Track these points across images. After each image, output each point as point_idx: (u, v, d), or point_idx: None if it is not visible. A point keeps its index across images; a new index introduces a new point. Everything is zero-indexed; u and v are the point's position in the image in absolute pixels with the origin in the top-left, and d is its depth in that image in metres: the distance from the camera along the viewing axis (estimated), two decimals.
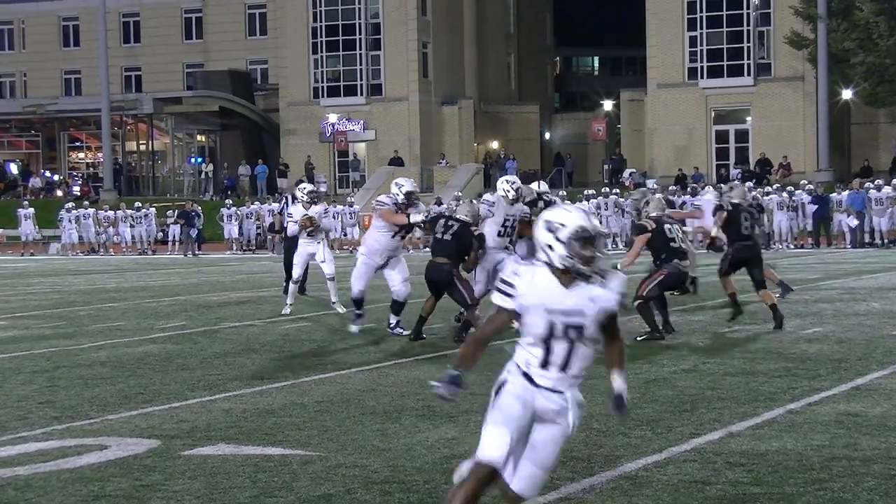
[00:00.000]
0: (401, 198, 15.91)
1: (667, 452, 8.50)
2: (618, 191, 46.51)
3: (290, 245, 24.33)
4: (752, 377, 11.77)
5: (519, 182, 16.77)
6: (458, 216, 15.52)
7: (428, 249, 16.17)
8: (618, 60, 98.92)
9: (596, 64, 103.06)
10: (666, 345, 14.73)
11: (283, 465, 8.35)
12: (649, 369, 12.46)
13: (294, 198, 24.89)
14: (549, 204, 17.88)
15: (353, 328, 16.24)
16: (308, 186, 20.61)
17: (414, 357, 13.95)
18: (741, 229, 16.80)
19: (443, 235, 15.29)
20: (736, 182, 20.54)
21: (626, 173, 55.97)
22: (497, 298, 6.20)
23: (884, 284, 23.33)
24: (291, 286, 20.00)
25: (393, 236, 15.99)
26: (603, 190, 48.17)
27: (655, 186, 48.94)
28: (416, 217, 15.94)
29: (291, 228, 20.37)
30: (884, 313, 17.67)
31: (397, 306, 16.08)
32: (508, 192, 16.09)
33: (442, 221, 15.53)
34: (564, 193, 48.65)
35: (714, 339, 15.14)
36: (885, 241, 40.49)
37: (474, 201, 16.75)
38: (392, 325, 16.10)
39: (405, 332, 15.80)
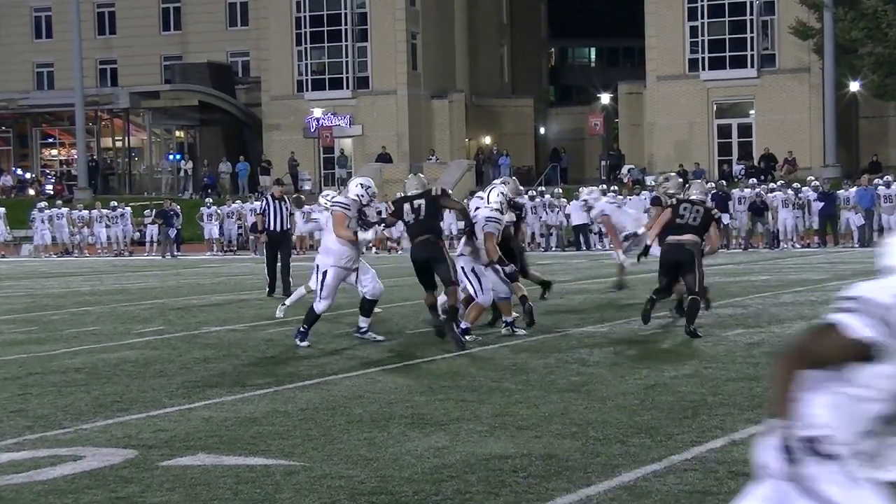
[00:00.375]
0: (366, 199, 15.72)
1: (667, 461, 8.51)
2: (616, 188, 46.50)
3: (273, 246, 24.41)
4: (755, 382, 11.79)
5: (505, 188, 16.99)
6: (412, 193, 15.64)
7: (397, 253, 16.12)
8: (615, 52, 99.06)
9: (592, 55, 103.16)
10: (667, 349, 14.77)
11: (265, 475, 8.35)
12: (649, 374, 12.48)
13: (274, 196, 24.98)
14: (520, 210, 18.54)
15: (304, 343, 15.49)
16: (331, 193, 20.31)
17: (403, 362, 13.95)
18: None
19: (415, 218, 15.41)
20: (672, 174, 20.89)
21: (624, 169, 56.07)
22: (855, 323, 4.26)
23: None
24: (302, 290, 19.57)
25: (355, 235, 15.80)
26: (600, 187, 48.17)
27: (653, 183, 49.00)
28: (364, 235, 15.75)
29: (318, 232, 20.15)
30: None
31: (369, 305, 15.83)
32: (503, 203, 16.31)
33: (407, 207, 15.54)
34: (560, 191, 48.74)
35: (716, 342, 15.16)
36: None
37: (421, 175, 16.77)
38: (364, 329, 15.80)
39: (379, 338, 15.74)
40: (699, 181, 17.16)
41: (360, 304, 15.98)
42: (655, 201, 18.29)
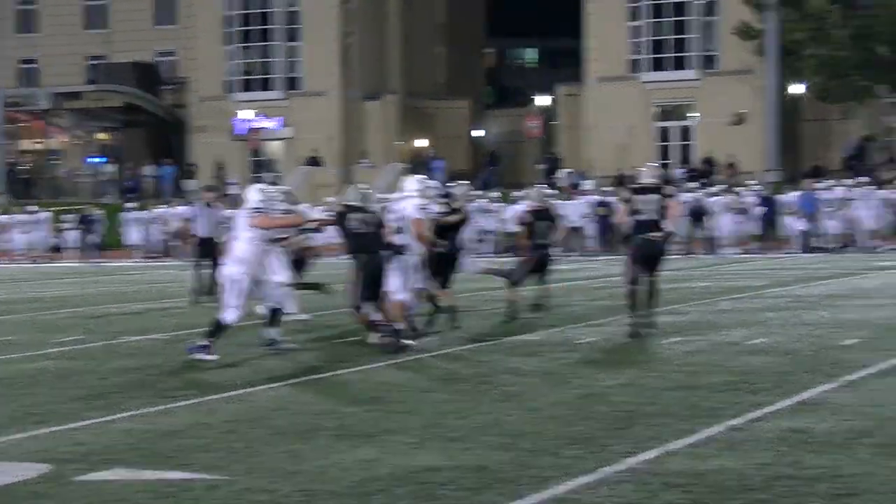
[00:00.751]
0: (266, 203, 15.62)
1: (599, 473, 8.54)
2: (554, 192, 46.61)
3: (201, 253, 24.26)
4: (692, 392, 11.88)
5: (425, 178, 17.67)
6: (358, 204, 15.73)
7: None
8: (556, 52, 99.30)
9: (532, 56, 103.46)
10: (602, 358, 14.83)
11: (185, 489, 8.32)
12: (583, 383, 12.53)
13: (209, 204, 24.82)
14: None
15: (212, 357, 14.93)
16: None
17: (331, 373, 13.94)
18: (536, 238, 19.39)
19: (367, 229, 15.51)
20: (537, 187, 22.01)
21: (561, 173, 56.21)
22: None
23: (834, 291, 23.61)
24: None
25: (272, 242, 15.70)
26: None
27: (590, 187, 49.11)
28: (316, 213, 15.84)
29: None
30: (833, 322, 17.88)
31: (277, 316, 15.56)
32: (423, 190, 16.75)
33: (358, 215, 15.61)
34: (498, 195, 48.85)
35: (653, 350, 15.25)
36: (837, 245, 40.93)
37: (362, 186, 16.87)
38: (276, 341, 15.49)
39: (293, 345, 15.60)
40: (651, 164, 17.85)
41: (268, 315, 15.74)
42: (524, 217, 19.41)
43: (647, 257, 16.52)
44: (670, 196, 17.21)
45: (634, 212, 16.54)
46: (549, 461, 8.93)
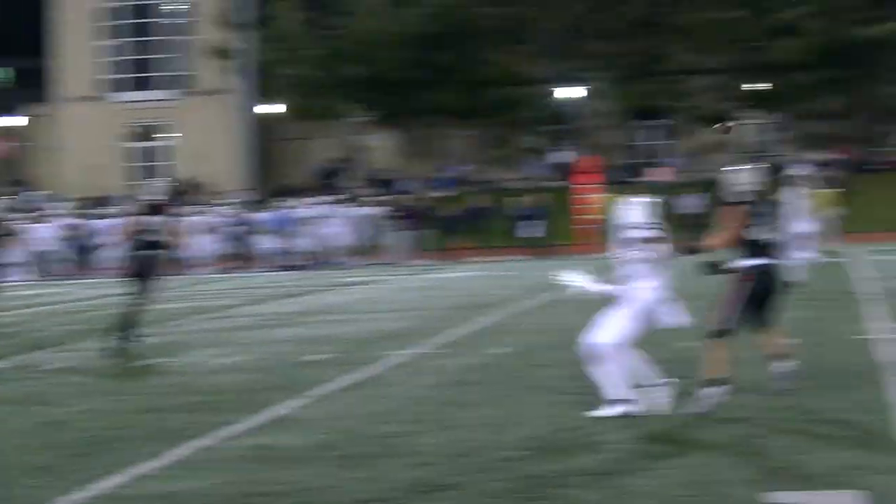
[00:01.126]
0: None
1: (61, 502, 8.26)
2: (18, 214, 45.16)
3: None
4: (160, 414, 11.72)
5: None
6: None
7: None
8: (30, 72, 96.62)
9: (7, 75, 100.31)
10: (77, 383, 14.41)
11: None
12: (44, 411, 12.12)
13: None
14: None
15: None
16: None
17: None
18: None
19: None
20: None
21: (28, 195, 54.77)
22: None
23: (305, 308, 23.97)
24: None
25: None
26: None
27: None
28: None
29: None
30: (303, 339, 18.12)
31: None
32: None
33: None
34: None
35: (123, 375, 15.00)
36: (309, 262, 41.73)
37: None
38: None
39: None
40: (156, 183, 18.25)
41: None
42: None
43: (145, 275, 16.75)
44: (174, 216, 17.55)
45: (138, 231, 16.78)
46: (5, 493, 8.55)
